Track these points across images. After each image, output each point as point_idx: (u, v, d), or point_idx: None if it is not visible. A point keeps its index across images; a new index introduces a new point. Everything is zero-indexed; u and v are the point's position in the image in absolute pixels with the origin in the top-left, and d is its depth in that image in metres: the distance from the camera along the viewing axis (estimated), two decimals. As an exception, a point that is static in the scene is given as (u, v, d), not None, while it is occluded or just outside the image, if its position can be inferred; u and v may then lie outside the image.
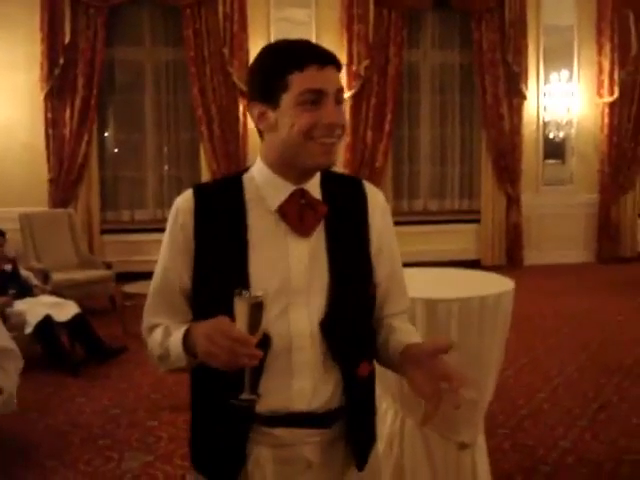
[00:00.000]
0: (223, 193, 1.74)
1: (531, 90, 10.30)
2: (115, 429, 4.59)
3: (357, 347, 1.72)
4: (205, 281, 1.68)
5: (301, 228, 1.67)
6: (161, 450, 4.23)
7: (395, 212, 10.11)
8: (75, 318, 6.02)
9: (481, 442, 3.40)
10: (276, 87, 1.61)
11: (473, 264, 9.83)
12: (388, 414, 3.29)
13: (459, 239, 10.39)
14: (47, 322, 5.80)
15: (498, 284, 3.38)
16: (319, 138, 1.61)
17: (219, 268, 1.66)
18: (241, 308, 1.49)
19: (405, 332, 1.78)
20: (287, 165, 1.66)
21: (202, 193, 1.73)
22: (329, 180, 1.77)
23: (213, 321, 1.50)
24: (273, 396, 1.65)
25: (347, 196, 1.77)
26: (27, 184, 9.17)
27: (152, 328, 1.75)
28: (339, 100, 1.63)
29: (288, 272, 1.64)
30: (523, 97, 10.20)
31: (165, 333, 1.69)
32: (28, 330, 5.75)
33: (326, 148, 1.62)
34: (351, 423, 1.73)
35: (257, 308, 1.49)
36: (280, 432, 1.68)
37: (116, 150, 10.06)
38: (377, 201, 1.81)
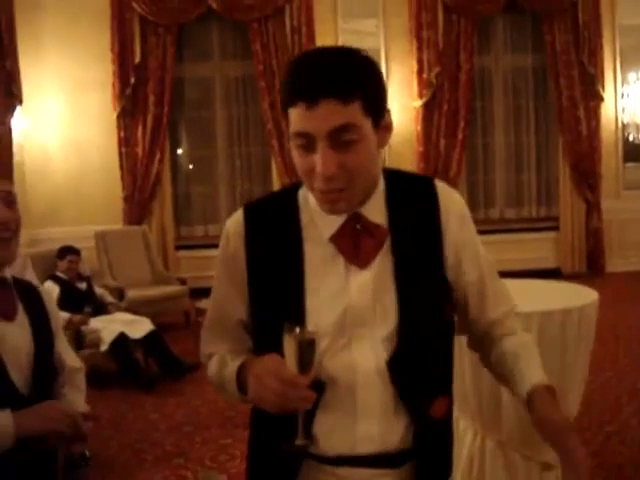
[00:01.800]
0: (276, 215, 1.56)
1: (608, 91, 9.96)
2: (189, 446, 4.55)
3: (431, 383, 1.53)
4: (261, 312, 1.54)
5: (358, 258, 1.48)
6: (235, 468, 4.16)
7: (471, 221, 9.90)
8: (149, 335, 6.04)
9: (566, 462, 3.23)
10: (285, 117, 1.43)
11: (553, 272, 9.57)
12: (467, 434, 3.15)
13: (538, 247, 10.10)
14: (122, 339, 5.83)
15: (581, 295, 3.21)
16: (318, 187, 1.41)
17: (274, 300, 1.51)
18: (291, 346, 1.36)
19: (517, 358, 1.57)
20: None
21: (253, 215, 1.57)
22: (396, 188, 1.55)
23: (263, 360, 1.39)
24: (336, 439, 1.50)
25: (416, 206, 1.55)
26: (102, 202, 9.33)
27: (210, 357, 1.65)
28: (340, 142, 1.36)
29: (349, 304, 1.47)
30: (600, 99, 9.86)
31: (221, 364, 1.59)
32: (103, 347, 5.79)
33: (326, 197, 1.42)
34: (422, 467, 1.55)
35: (308, 346, 1.36)
36: (345, 472, 1.52)
37: (189, 166, 10.14)
38: (453, 207, 1.58)
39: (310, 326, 1.39)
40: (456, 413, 3.22)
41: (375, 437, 1.49)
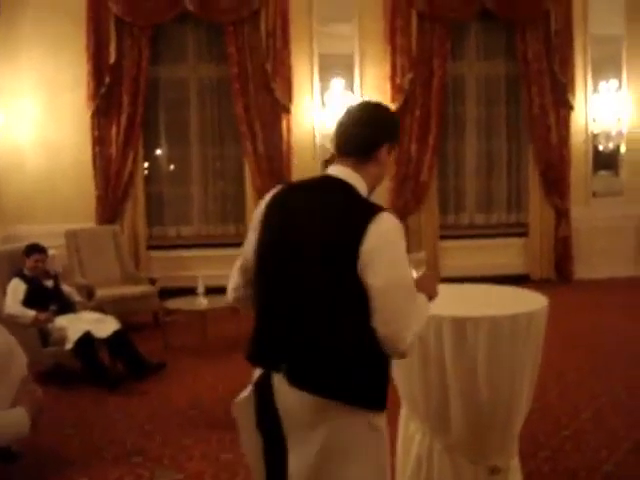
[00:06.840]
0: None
1: (579, 101, 10.05)
2: (148, 446, 4.58)
3: None
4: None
5: None
6: (192, 469, 4.20)
7: (441, 226, 10.02)
8: (115, 334, 6.04)
9: (515, 465, 3.29)
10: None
11: (521, 278, 9.65)
12: (416, 435, 3.21)
13: (507, 253, 10.20)
14: (87, 338, 5.83)
15: (531, 302, 3.27)
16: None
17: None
18: None
19: None
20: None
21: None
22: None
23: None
24: None
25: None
26: (75, 201, 9.32)
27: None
28: None
29: None
30: (570, 108, 9.97)
31: None
32: (68, 346, 5.79)
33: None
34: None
35: None
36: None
37: (162, 167, 10.15)
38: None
39: None
40: (407, 414, 3.29)
41: None
